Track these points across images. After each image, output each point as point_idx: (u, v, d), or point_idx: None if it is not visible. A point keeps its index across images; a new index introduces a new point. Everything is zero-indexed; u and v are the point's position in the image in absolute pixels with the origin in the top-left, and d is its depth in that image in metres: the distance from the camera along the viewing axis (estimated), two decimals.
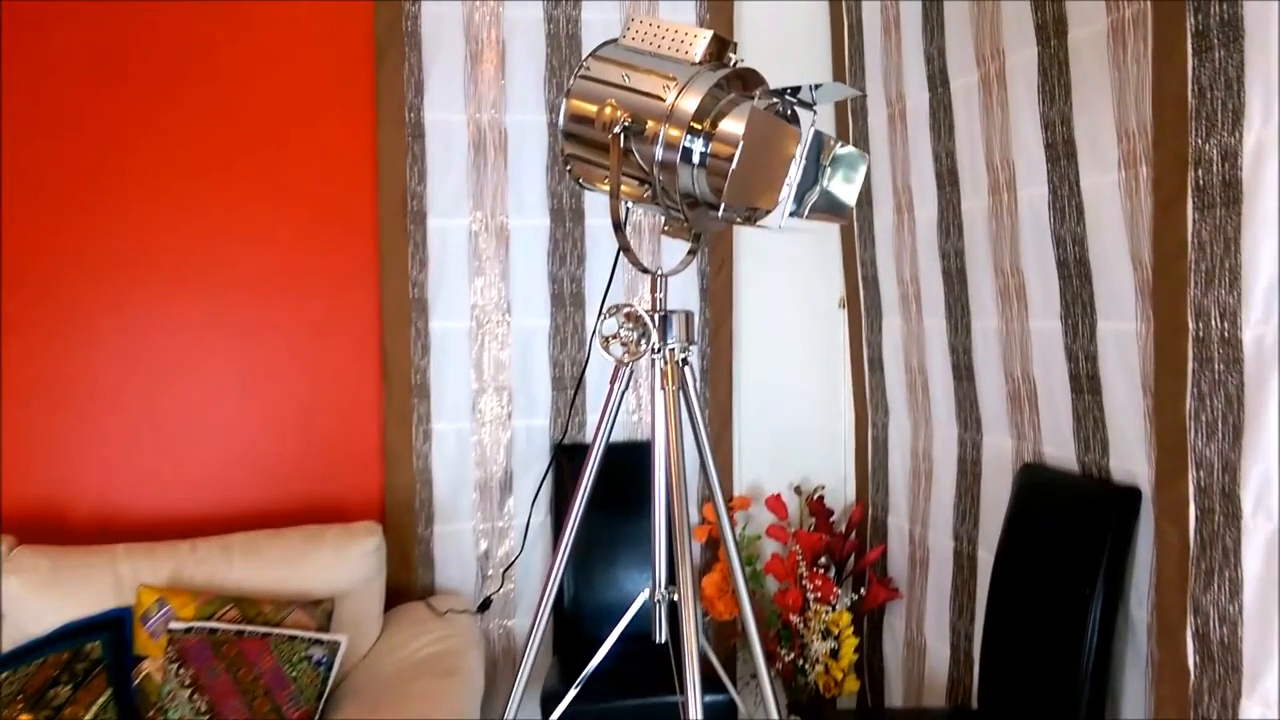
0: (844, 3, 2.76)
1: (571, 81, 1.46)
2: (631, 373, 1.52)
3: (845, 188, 1.39)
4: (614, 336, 1.46)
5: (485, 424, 2.73)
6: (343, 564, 2.28)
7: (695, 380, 1.52)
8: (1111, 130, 1.79)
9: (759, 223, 1.40)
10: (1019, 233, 2.11)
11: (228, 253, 2.59)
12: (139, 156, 2.53)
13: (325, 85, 2.61)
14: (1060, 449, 2.07)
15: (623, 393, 1.52)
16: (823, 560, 2.71)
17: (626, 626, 2.49)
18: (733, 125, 1.33)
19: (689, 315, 1.50)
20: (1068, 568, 1.94)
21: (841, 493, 2.95)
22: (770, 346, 2.93)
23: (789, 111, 1.37)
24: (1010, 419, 2.22)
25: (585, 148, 1.46)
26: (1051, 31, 1.92)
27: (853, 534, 2.84)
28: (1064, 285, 1.99)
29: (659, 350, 1.45)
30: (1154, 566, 1.83)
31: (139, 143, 2.53)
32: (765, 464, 2.92)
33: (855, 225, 2.80)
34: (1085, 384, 1.97)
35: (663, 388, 1.46)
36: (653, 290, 1.50)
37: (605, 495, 2.77)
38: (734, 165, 1.29)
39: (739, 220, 1.37)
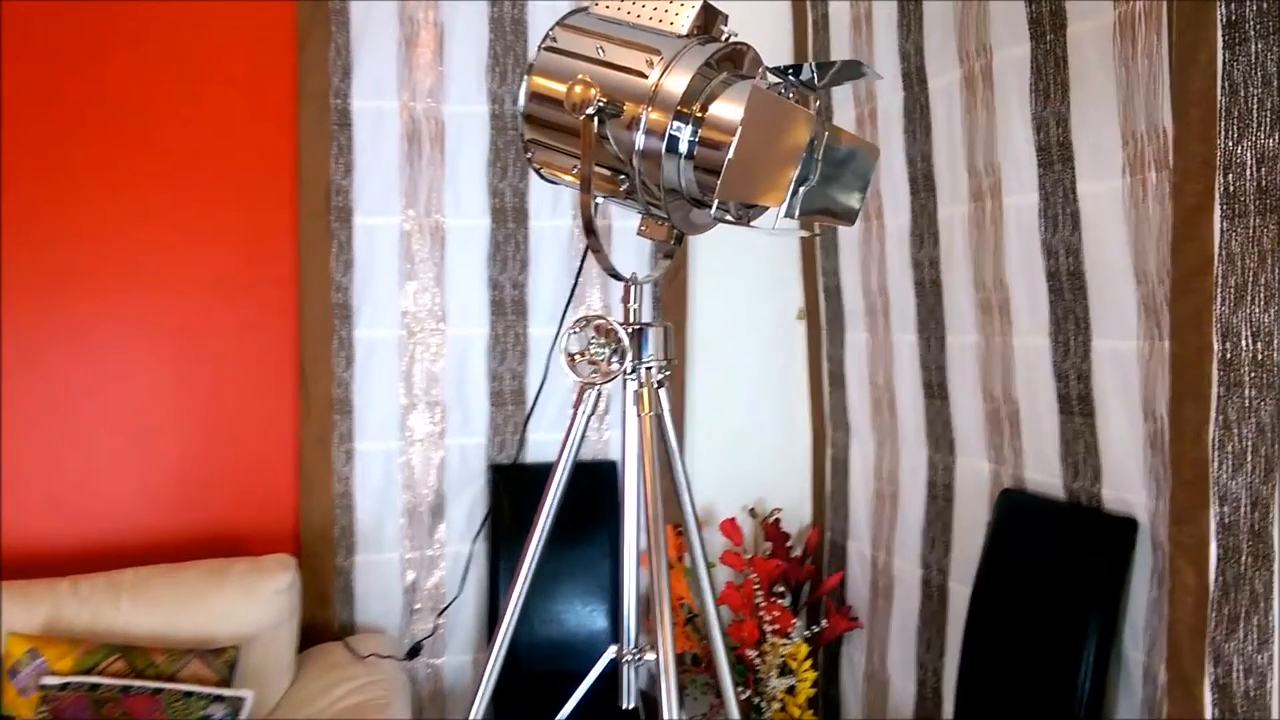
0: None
1: (535, 55, 1.25)
2: (599, 395, 1.30)
3: (849, 187, 1.20)
4: (580, 354, 1.25)
5: (415, 443, 2.48)
6: (250, 605, 2.01)
7: (670, 404, 1.31)
8: (1115, 132, 1.65)
9: (753, 223, 1.21)
10: (1004, 242, 1.97)
11: (123, 252, 2.29)
12: (21, 141, 2.22)
13: (239, 66, 2.34)
14: (1045, 474, 1.93)
15: (589, 417, 1.31)
16: (778, 588, 2.53)
17: (571, 669, 2.25)
18: (727, 108, 1.13)
19: (667, 330, 1.29)
20: (1057, 603, 1.80)
21: (798, 515, 2.78)
22: (724, 359, 2.75)
23: (791, 94, 1.18)
24: (988, 441, 2.08)
25: (550, 132, 1.24)
26: (1048, 26, 1.78)
27: (809, 559, 2.67)
28: (1054, 299, 1.85)
29: (634, 370, 1.25)
30: (1152, 603, 1.69)
31: (26, 128, 2.21)
32: (717, 484, 2.73)
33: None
34: (1076, 405, 1.83)
35: (638, 413, 1.26)
36: (626, 300, 1.29)
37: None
38: (730, 154, 1.10)
39: (731, 219, 1.18)
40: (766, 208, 1.17)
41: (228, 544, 2.31)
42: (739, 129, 1.09)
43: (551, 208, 2.52)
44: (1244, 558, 1.36)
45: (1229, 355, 1.37)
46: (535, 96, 1.24)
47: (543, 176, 1.32)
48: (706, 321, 2.71)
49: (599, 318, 1.23)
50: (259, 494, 2.39)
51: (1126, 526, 1.72)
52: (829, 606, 2.56)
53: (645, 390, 1.25)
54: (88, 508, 2.27)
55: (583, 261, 1.35)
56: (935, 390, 2.23)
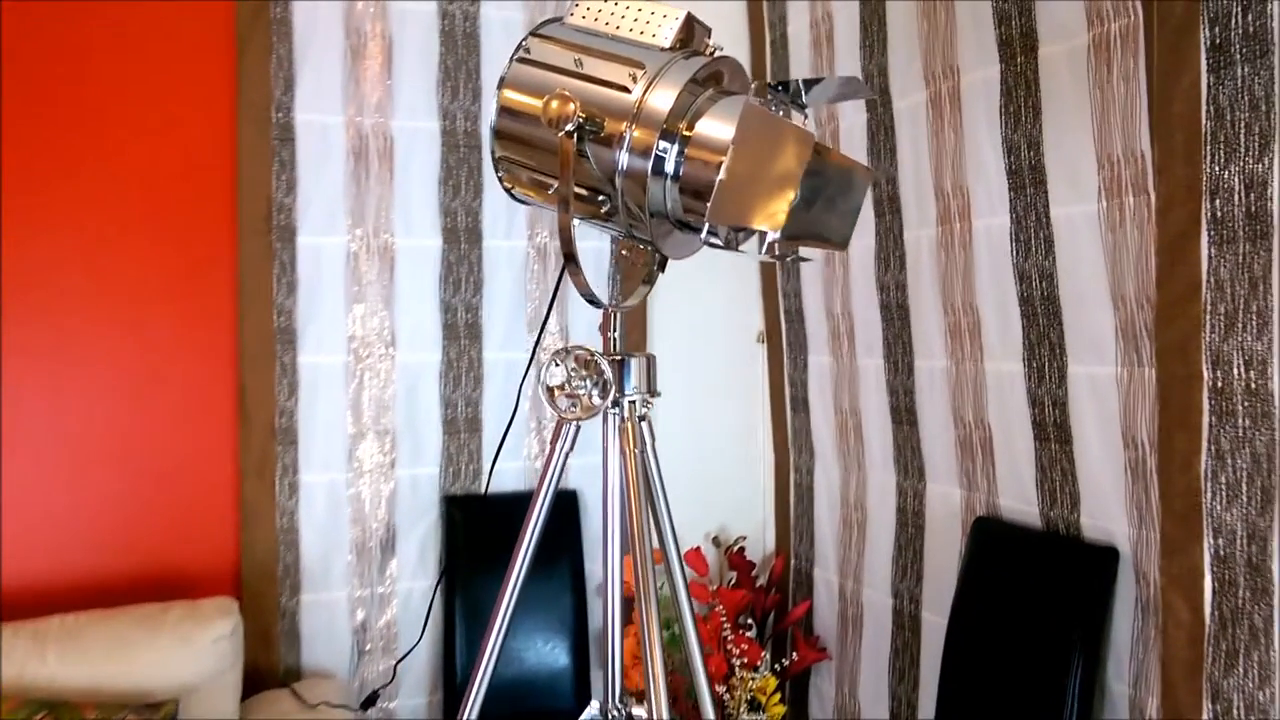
0: (765, 16, 2.56)
1: (507, 67, 1.16)
2: (578, 430, 1.22)
3: (840, 209, 1.14)
4: (560, 388, 1.16)
5: (364, 474, 2.36)
6: (189, 654, 1.87)
7: (654, 438, 1.24)
8: (1090, 156, 1.63)
9: (741, 248, 1.14)
10: (974, 266, 1.93)
11: (42, 275, 2.13)
12: None
13: (171, 76, 2.21)
14: (1020, 501, 1.89)
15: (566, 454, 1.22)
16: (744, 619, 2.46)
17: (532, 710, 2.15)
18: (716, 126, 1.07)
19: (650, 360, 1.21)
20: (1039, 635, 1.76)
21: (761, 542, 2.72)
22: (683, 383, 2.66)
23: (780, 112, 1.11)
24: (960, 467, 2.04)
25: (523, 149, 1.16)
26: (1018, 48, 1.76)
27: (773, 589, 2.60)
28: (1028, 324, 1.82)
29: (618, 404, 1.16)
30: (1137, 634, 1.66)
31: None
32: (677, 511, 2.64)
33: None
34: (1052, 432, 1.79)
35: (622, 450, 1.17)
36: (605, 328, 1.21)
37: (500, 552, 2.46)
38: (721, 175, 1.03)
39: (720, 244, 1.11)
40: (754, 231, 1.11)
41: (163, 585, 2.16)
42: (730, 148, 1.03)
43: (506, 227, 2.43)
44: (1241, 591, 1.32)
45: (1220, 384, 1.34)
46: (507, 111, 1.16)
47: (514, 197, 1.23)
48: (665, 344, 2.63)
49: (580, 349, 1.15)
50: (196, 530, 2.24)
51: (1107, 556, 1.69)
52: (796, 637, 2.49)
53: (630, 425, 1.17)
54: (11, 549, 2.10)
55: (557, 286, 1.28)
56: (903, 415, 2.19)
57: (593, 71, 1.11)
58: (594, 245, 2.50)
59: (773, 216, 1.00)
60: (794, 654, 2.42)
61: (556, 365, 1.15)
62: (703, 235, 1.06)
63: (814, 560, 2.55)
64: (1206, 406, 1.36)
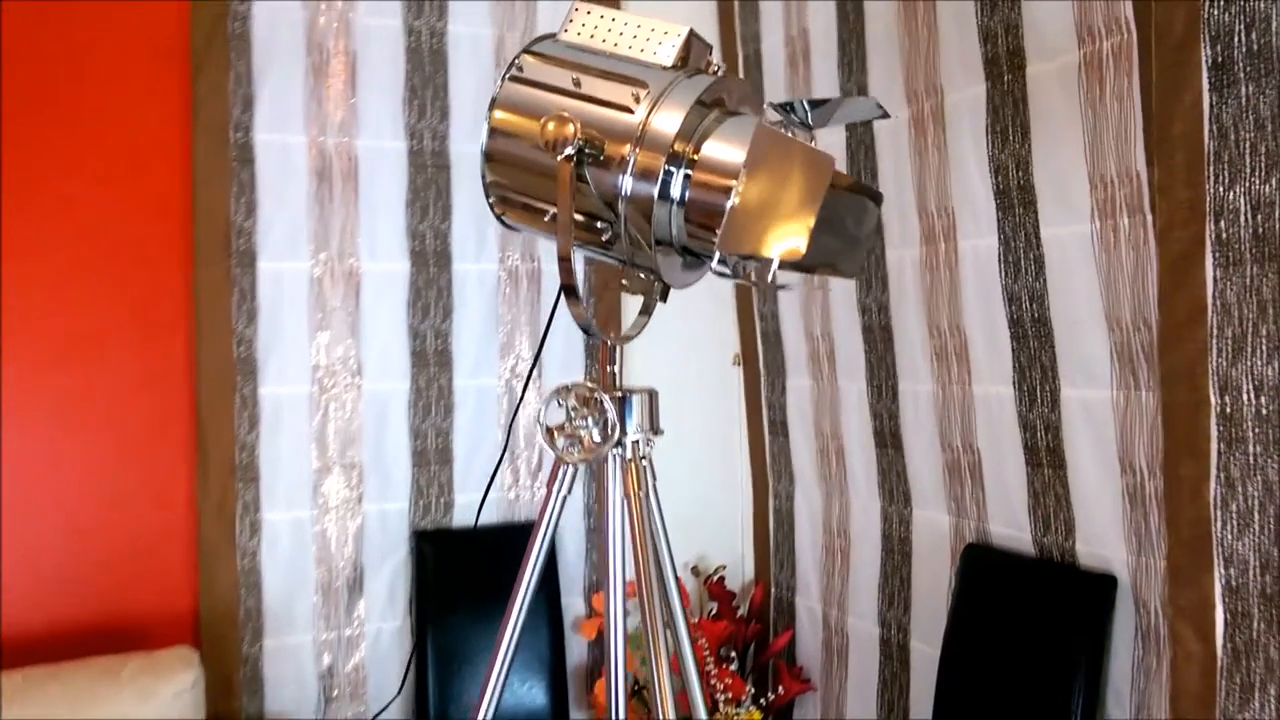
0: (738, 33, 2.52)
1: (498, 86, 1.10)
2: (575, 471, 1.15)
3: (848, 235, 1.09)
4: (559, 428, 1.09)
5: (329, 510, 2.25)
6: (150, 709, 1.75)
7: (655, 478, 1.17)
8: (1082, 176, 1.60)
9: (750, 277, 1.08)
10: (960, 288, 1.90)
11: None
12: None
13: (122, 93, 2.10)
14: (1011, 528, 1.86)
15: (564, 498, 1.15)
16: (725, 652, 2.40)
17: None
18: (725, 149, 1.01)
19: (653, 395, 1.15)
20: (1037, 665, 1.72)
21: (739, 570, 2.66)
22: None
23: (791, 134, 1.06)
24: (948, 493, 2.00)
25: (517, 174, 1.10)
26: (1005, 66, 1.73)
27: (754, 618, 2.54)
28: (1018, 347, 1.79)
29: (620, 444, 1.10)
30: (1137, 663, 1.63)
31: None
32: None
33: None
34: (1045, 457, 1.76)
35: (626, 494, 1.10)
36: (603, 362, 1.14)
37: (474, 590, 2.38)
38: (733, 201, 0.97)
39: (729, 273, 1.05)
40: (760, 259, 1.05)
41: (119, 635, 2.03)
42: (742, 172, 0.97)
43: (476, 250, 2.35)
44: (1255, 623, 1.29)
45: (1229, 409, 1.31)
46: (499, 133, 1.09)
47: (505, 223, 1.16)
48: (637, 367, 2.56)
49: (581, 385, 1.08)
50: (152, 575, 2.12)
51: (1105, 583, 1.66)
52: (780, 668, 2.43)
53: (634, 466, 1.10)
54: None
55: (552, 315, 1.20)
56: (888, 439, 2.15)
57: (592, 91, 1.05)
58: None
59: (790, 245, 0.94)
60: (779, 687, 2.36)
61: (558, 405, 1.07)
62: (713, 264, 1.01)
63: (795, 588, 2.50)
64: (1215, 433, 1.33)
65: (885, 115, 1.04)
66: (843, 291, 2.23)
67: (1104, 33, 1.52)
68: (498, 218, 1.15)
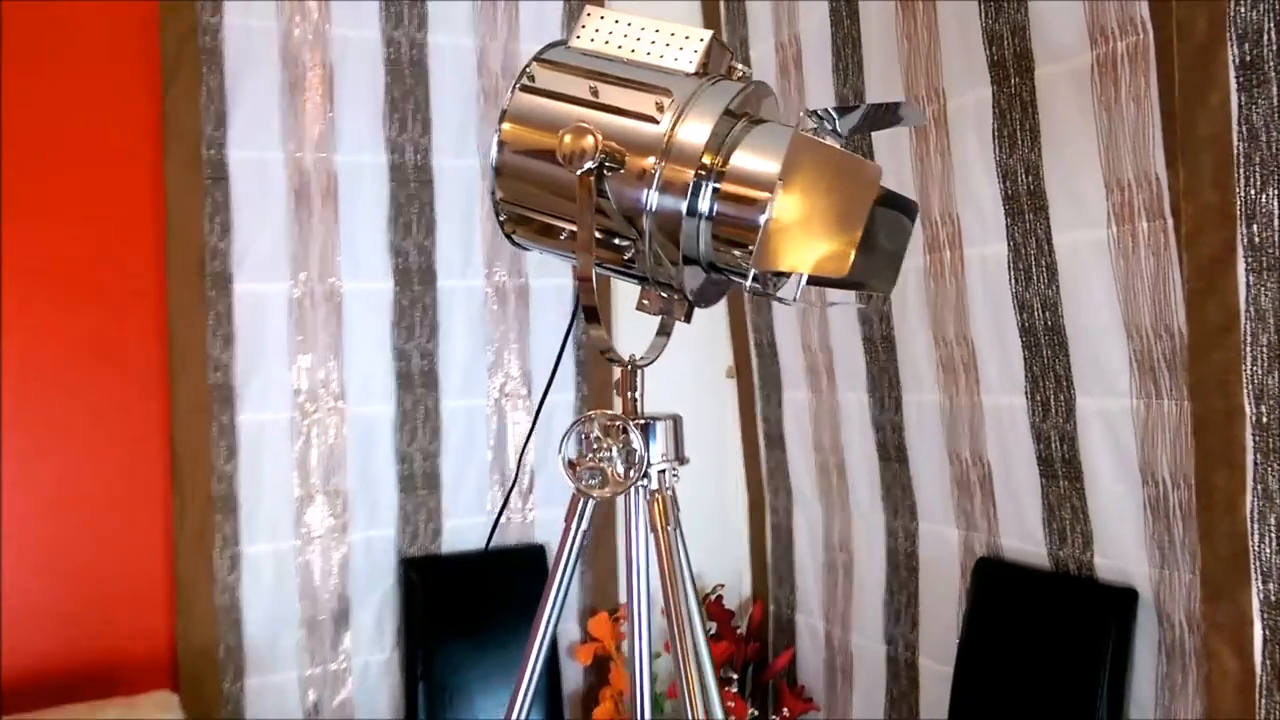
0: (725, 40, 2.46)
1: (509, 97, 1.03)
2: (594, 504, 1.07)
3: (880, 249, 1.03)
4: (580, 461, 1.02)
5: (313, 540, 2.16)
6: None
7: (679, 509, 1.10)
8: (1097, 180, 1.56)
9: (779, 294, 1.02)
10: (967, 296, 1.85)
11: None
12: None
13: (91, 111, 2.00)
14: (1025, 542, 1.81)
15: (585, 532, 1.08)
16: (725, 673, 2.33)
17: None
18: (756, 160, 0.95)
19: (677, 421, 1.08)
20: (1058, 683, 1.67)
21: (736, 588, 2.59)
22: None
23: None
24: (956, 506, 1.95)
25: (530, 190, 1.02)
26: (1012, 69, 1.69)
27: (752, 637, 2.48)
28: (1030, 356, 1.74)
29: (646, 475, 1.02)
30: (1161, 679, 1.58)
31: None
32: (653, 559, 2.51)
33: None
34: (1060, 468, 1.71)
35: (652, 529, 1.03)
36: (624, 388, 1.07)
37: (465, 618, 2.29)
38: (768, 215, 0.91)
39: (760, 290, 0.98)
40: (788, 275, 0.99)
41: (93, 679, 1.92)
42: (777, 184, 0.91)
43: (462, 267, 2.27)
44: None
45: (1265, 419, 1.27)
46: (510, 147, 1.02)
47: (515, 242, 1.09)
48: None
49: (604, 414, 1.01)
50: (128, 614, 2.01)
51: (1126, 597, 1.61)
52: (781, 688, 2.37)
53: (660, 499, 1.03)
54: None
55: (565, 337, 1.13)
56: (892, 452, 2.09)
57: (611, 100, 0.98)
58: (555, 283, 2.37)
59: (835, 261, 0.88)
60: (784, 709, 2.29)
61: (588, 436, 1.00)
62: (747, 284, 0.94)
63: (795, 606, 2.44)
64: (1251, 443, 1.28)
65: (923, 122, 0.99)
66: (842, 301, 2.18)
67: (1118, 33, 1.48)
68: (507, 236, 1.08)
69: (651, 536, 1.03)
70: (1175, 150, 1.39)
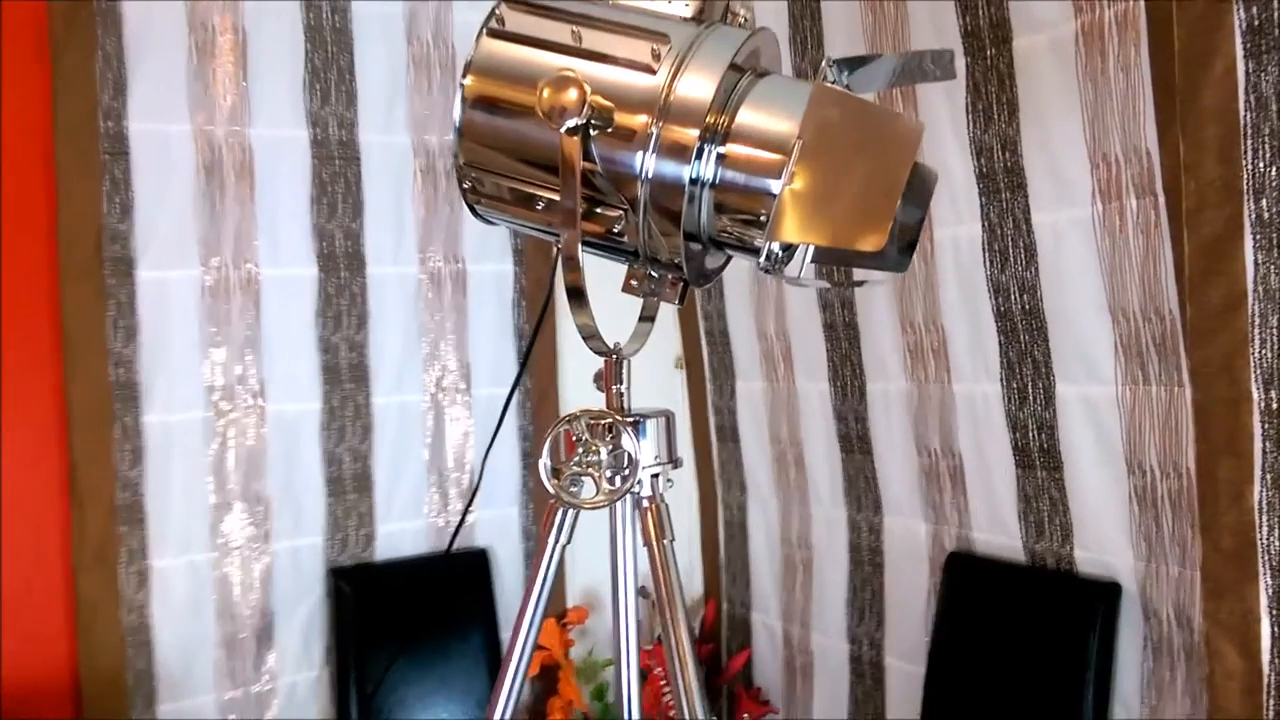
0: None
1: (474, 45, 0.88)
2: (576, 515, 0.94)
3: (895, 225, 0.92)
4: (563, 466, 0.88)
5: (231, 552, 1.97)
6: None
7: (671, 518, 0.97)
8: (1081, 155, 1.48)
9: (786, 273, 0.89)
10: (937, 280, 1.77)
11: None
12: None
13: None
14: (999, 534, 1.74)
15: (563, 546, 0.94)
16: None
17: None
18: (765, 118, 0.82)
19: (669, 419, 0.95)
20: (1040, 677, 1.60)
21: (688, 587, 2.48)
22: None
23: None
24: (925, 499, 1.87)
25: (501, 152, 0.88)
26: (987, 39, 1.60)
27: (706, 638, 2.37)
28: (1006, 341, 1.67)
29: (639, 480, 0.89)
30: (1147, 676, 1.53)
31: None
32: (597, 560, 2.37)
33: None
34: (1038, 459, 1.64)
35: (646, 541, 0.90)
36: (608, 380, 0.94)
37: (401, 629, 2.13)
38: (785, 181, 0.78)
39: (770, 269, 0.86)
40: (795, 250, 0.87)
41: None
42: (795, 144, 0.79)
43: (393, 251, 2.10)
44: None
45: (1276, 405, 1.20)
46: (478, 102, 0.87)
47: (478, 214, 0.94)
48: (572, 369, 2.35)
49: (591, 411, 0.87)
50: (23, 639, 1.79)
51: (1109, 591, 1.55)
52: (738, 691, 2.27)
53: (654, 507, 0.90)
54: None
55: (539, 322, 1.00)
56: (855, 444, 2.00)
57: (599, 47, 0.84)
58: (495, 269, 2.21)
59: (871, 232, 0.76)
60: (745, 714, 2.19)
61: (576, 436, 0.86)
62: (761, 261, 0.82)
63: (750, 604, 2.34)
64: (1259, 431, 1.22)
65: (953, 76, 0.87)
66: (798, 287, 2.08)
67: (1105, 0, 1.40)
68: (470, 207, 0.93)
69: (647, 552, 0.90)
70: (1170, 122, 1.32)
